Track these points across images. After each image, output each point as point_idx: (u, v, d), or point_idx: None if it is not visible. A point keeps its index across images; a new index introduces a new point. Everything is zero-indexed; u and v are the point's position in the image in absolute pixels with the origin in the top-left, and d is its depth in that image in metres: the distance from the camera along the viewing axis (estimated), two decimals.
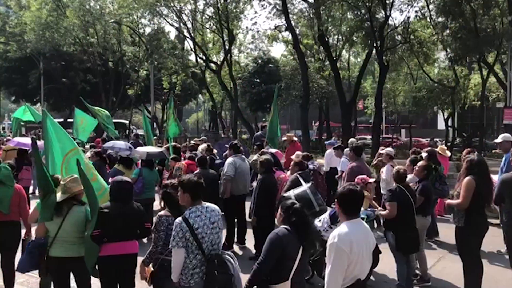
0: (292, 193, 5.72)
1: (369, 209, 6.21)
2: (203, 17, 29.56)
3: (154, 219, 4.59)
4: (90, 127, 15.31)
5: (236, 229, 8.10)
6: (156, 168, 9.62)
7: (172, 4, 27.25)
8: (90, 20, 31.58)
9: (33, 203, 5.36)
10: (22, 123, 26.39)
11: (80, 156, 5.74)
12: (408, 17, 23.30)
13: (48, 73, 33.04)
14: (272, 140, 12.02)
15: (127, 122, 40.28)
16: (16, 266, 5.06)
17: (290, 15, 23.80)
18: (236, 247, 8.01)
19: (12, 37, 37.03)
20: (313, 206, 5.53)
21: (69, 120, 35.67)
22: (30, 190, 12.30)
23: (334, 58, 26.19)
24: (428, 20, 24.25)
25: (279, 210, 3.90)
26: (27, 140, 12.91)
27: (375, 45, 21.64)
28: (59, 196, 4.76)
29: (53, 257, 4.71)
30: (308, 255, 4.14)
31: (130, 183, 4.92)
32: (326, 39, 24.91)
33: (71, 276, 4.91)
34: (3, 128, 41.07)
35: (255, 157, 8.13)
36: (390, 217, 5.80)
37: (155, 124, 33.77)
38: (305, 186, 5.93)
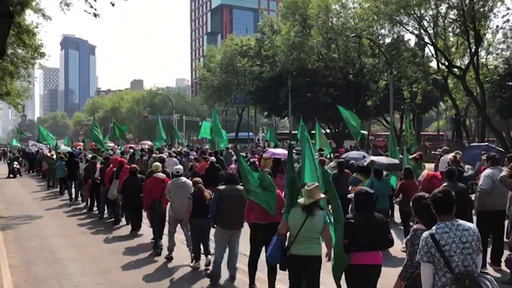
0: None
1: None
2: (445, 21, 28.06)
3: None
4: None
5: (490, 248, 7.47)
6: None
7: (412, 12, 26.76)
8: (333, 36, 33.52)
9: None
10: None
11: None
12: None
13: (295, 89, 36.42)
14: None
15: (366, 132, 40.99)
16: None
17: None
18: (490, 269, 7.39)
19: (266, 60, 42.40)
20: None
21: (312, 132, 38.51)
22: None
23: None
24: None
25: None
26: (280, 151, 14.69)
27: None
28: (304, 200, 5.28)
29: (293, 255, 5.25)
30: None
31: (374, 193, 5.06)
32: None
33: None
34: (258, 140, 46.85)
35: (504, 172, 7.26)
36: None
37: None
38: None
